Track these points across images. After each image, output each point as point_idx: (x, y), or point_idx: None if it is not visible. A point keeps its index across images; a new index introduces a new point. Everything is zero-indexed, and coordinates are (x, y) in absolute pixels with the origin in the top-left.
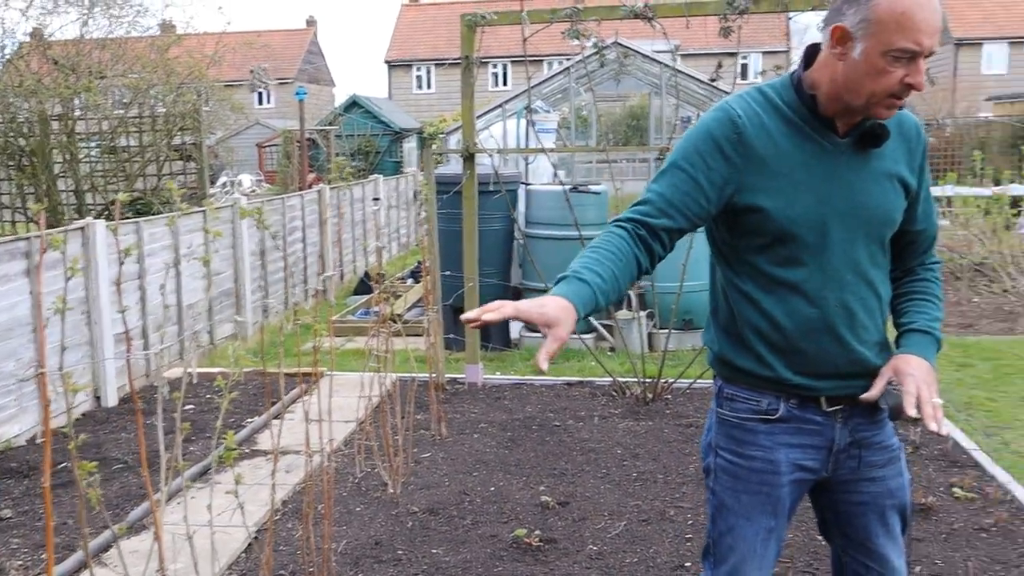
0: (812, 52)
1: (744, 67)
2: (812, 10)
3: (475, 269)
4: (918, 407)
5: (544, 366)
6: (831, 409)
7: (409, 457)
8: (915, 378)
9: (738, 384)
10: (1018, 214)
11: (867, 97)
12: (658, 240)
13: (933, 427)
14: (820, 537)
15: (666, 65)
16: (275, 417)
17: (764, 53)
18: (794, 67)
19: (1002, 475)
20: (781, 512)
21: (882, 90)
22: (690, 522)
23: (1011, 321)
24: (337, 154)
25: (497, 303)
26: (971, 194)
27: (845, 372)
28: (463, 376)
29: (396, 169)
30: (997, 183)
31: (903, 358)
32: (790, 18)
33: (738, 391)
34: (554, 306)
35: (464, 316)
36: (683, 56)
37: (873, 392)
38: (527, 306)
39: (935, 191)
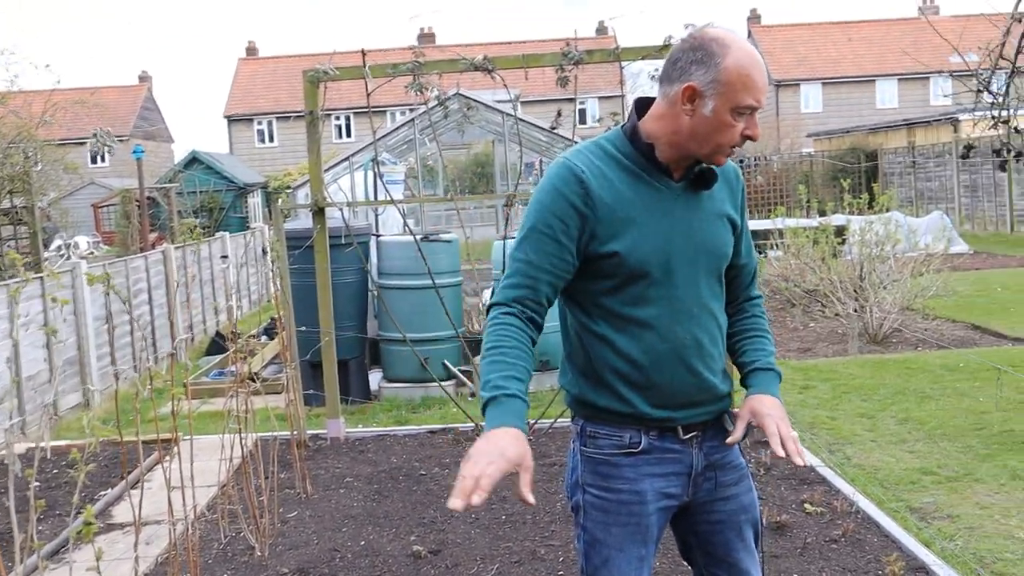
0: (642, 104)
1: (583, 112)
2: (642, 59)
3: (331, 323)
4: (783, 446)
5: (530, 499)
6: (687, 436)
7: (275, 518)
8: (773, 418)
9: (600, 422)
10: (843, 242)
11: (713, 148)
12: (542, 309)
13: (798, 462)
14: (685, 562)
15: (507, 114)
16: (132, 487)
17: (600, 98)
18: (623, 117)
19: (847, 488)
20: (650, 540)
21: (727, 142)
22: (561, 559)
23: (844, 343)
24: (179, 212)
25: (470, 483)
26: (800, 225)
27: (698, 400)
28: (325, 431)
29: (242, 225)
30: (822, 214)
31: (758, 399)
32: (623, 66)
33: (600, 428)
34: (512, 445)
35: (451, 504)
36: (524, 104)
37: (737, 435)
38: (494, 466)
39: (767, 224)
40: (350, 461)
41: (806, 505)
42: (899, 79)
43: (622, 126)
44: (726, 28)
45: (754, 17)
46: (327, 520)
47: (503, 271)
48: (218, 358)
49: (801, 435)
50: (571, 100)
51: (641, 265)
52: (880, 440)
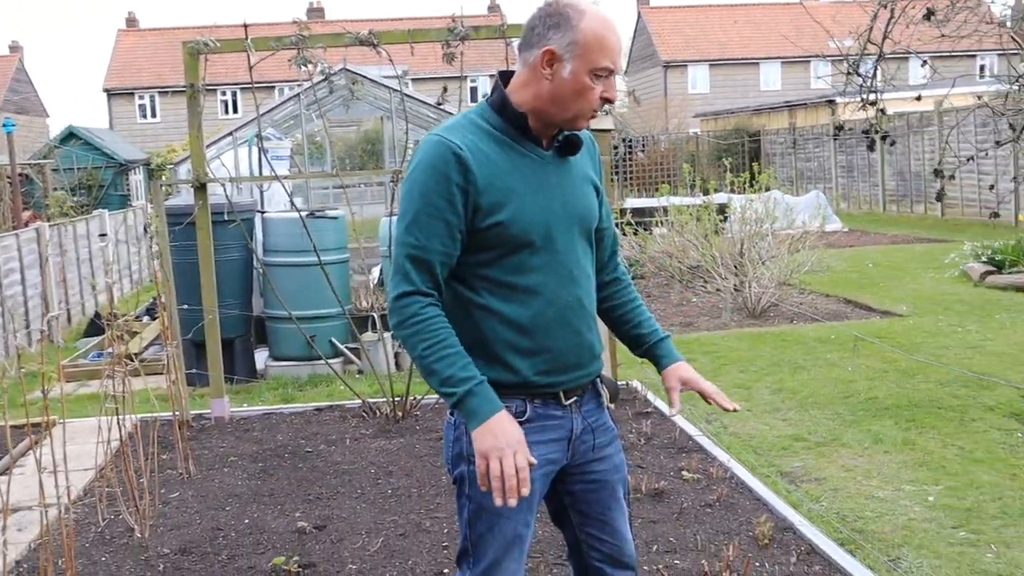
0: (505, 77)
1: (474, 89)
2: None
3: (214, 301)
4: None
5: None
6: (568, 402)
7: (156, 499)
8: (700, 381)
9: None
10: (724, 219)
11: (574, 112)
12: (440, 292)
13: (732, 406)
14: (556, 526)
15: (394, 90)
16: (2, 472)
17: (491, 76)
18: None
19: (722, 456)
20: (534, 504)
21: (587, 105)
22: (446, 531)
23: (725, 317)
24: (55, 189)
25: (512, 481)
26: (684, 203)
27: (582, 362)
28: (209, 411)
29: (123, 203)
30: (706, 192)
31: (681, 367)
32: (508, 43)
33: None
34: (514, 427)
35: (505, 503)
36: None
37: (676, 407)
38: (520, 455)
39: (652, 202)
40: (235, 440)
41: (683, 472)
42: (782, 62)
43: (487, 99)
44: None
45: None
46: (210, 499)
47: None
48: (96, 339)
49: (681, 407)
50: (461, 77)
51: (524, 234)
52: (755, 409)
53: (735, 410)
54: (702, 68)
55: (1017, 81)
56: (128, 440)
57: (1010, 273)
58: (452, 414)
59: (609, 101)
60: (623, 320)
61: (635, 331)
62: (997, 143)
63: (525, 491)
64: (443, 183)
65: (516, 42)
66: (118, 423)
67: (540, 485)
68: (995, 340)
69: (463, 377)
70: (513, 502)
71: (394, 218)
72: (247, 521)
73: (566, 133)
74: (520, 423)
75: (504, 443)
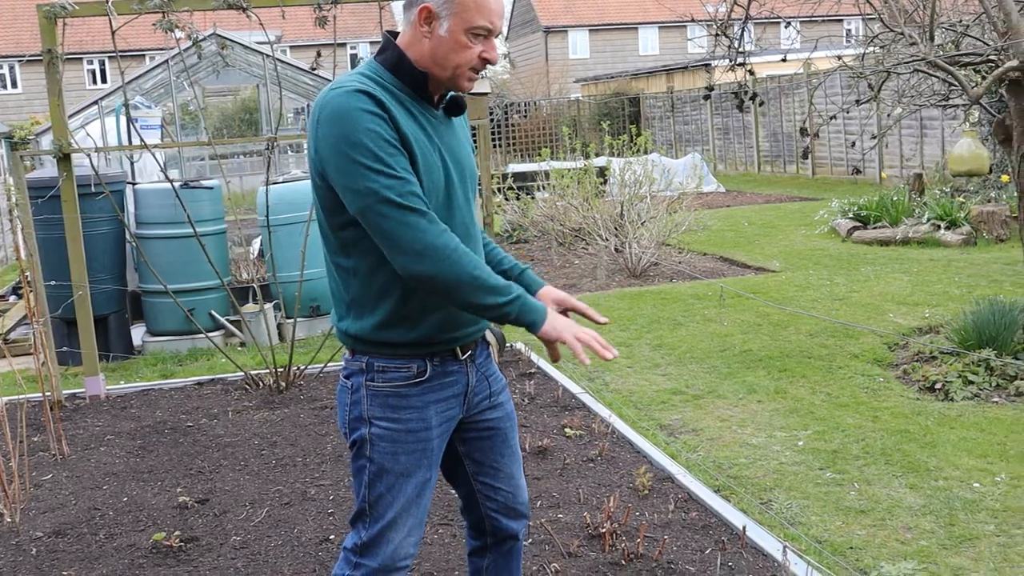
0: (391, 37)
1: (354, 56)
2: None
3: (84, 276)
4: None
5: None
6: (464, 356)
7: (27, 482)
8: (571, 300)
9: (388, 356)
10: (605, 182)
11: (453, 70)
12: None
13: (603, 320)
14: (452, 491)
15: (267, 55)
16: None
17: (372, 43)
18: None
19: (604, 412)
20: (435, 462)
21: (465, 63)
22: (331, 498)
23: (607, 278)
24: None
25: (597, 344)
26: (564, 167)
27: (477, 317)
28: (83, 390)
29: None
30: (587, 156)
31: (551, 290)
32: (383, 7)
33: (389, 363)
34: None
35: (608, 356)
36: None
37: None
38: (577, 330)
39: (533, 166)
40: (111, 418)
41: (566, 429)
42: (659, 27)
43: (376, 57)
44: None
45: None
46: (86, 480)
47: (267, 217)
48: None
49: (563, 367)
50: (342, 44)
51: (431, 189)
52: (636, 366)
53: (606, 323)
54: (582, 33)
55: (872, 41)
56: None
57: (874, 228)
58: (347, 377)
59: (489, 62)
60: (488, 263)
61: (499, 268)
62: (857, 102)
63: (616, 353)
64: (382, 123)
65: (393, 6)
66: None
67: (439, 443)
68: (860, 292)
69: (510, 283)
70: (610, 354)
71: (272, 187)
72: (125, 499)
73: (452, 95)
74: (420, 383)
75: (567, 323)
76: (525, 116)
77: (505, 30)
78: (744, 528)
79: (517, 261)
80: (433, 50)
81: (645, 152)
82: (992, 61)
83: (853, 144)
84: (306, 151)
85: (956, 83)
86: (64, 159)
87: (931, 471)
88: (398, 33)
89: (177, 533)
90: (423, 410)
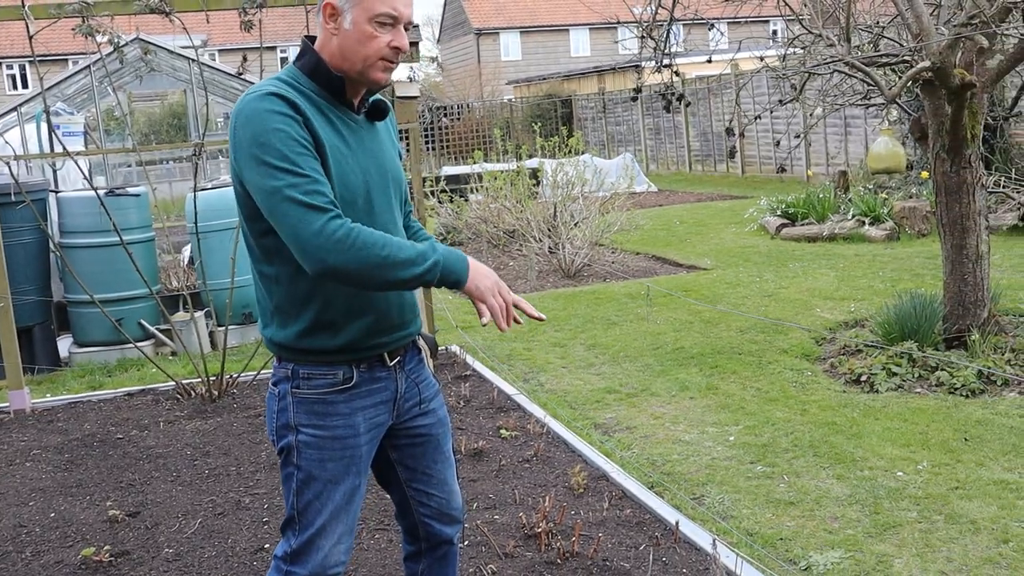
0: (309, 42)
1: (284, 60)
2: None
3: (6, 288)
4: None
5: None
6: (392, 362)
7: None
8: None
9: (313, 363)
10: (537, 184)
11: (362, 62)
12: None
13: (539, 316)
14: (382, 488)
15: (192, 60)
16: None
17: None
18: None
19: (539, 412)
20: (364, 470)
21: (374, 53)
22: (266, 506)
23: (541, 279)
24: None
25: (505, 310)
26: (497, 169)
27: (406, 320)
28: (7, 404)
29: None
30: (520, 158)
31: None
32: (309, 11)
33: (315, 370)
34: (483, 266)
35: (504, 328)
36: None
37: (486, 317)
38: (507, 292)
39: (466, 169)
40: (37, 432)
41: (502, 431)
42: (590, 28)
43: (295, 63)
44: None
45: None
46: (11, 496)
47: (195, 224)
48: None
49: (498, 368)
50: (268, 48)
51: (347, 195)
52: (571, 366)
53: (542, 319)
54: (513, 35)
55: (791, 43)
56: None
57: (802, 225)
58: (275, 384)
59: (400, 50)
60: None
61: None
62: (780, 102)
63: (512, 325)
64: (293, 123)
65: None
66: None
67: (367, 449)
68: (788, 288)
69: (423, 249)
70: (506, 328)
71: (201, 193)
72: (53, 515)
73: (373, 99)
74: (347, 389)
75: (489, 278)
76: (458, 118)
77: (437, 33)
78: (677, 523)
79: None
80: (341, 46)
81: (577, 153)
82: (907, 62)
83: (778, 143)
84: None
85: (874, 83)
86: None
87: (857, 462)
88: (310, 39)
89: (107, 548)
90: (350, 417)
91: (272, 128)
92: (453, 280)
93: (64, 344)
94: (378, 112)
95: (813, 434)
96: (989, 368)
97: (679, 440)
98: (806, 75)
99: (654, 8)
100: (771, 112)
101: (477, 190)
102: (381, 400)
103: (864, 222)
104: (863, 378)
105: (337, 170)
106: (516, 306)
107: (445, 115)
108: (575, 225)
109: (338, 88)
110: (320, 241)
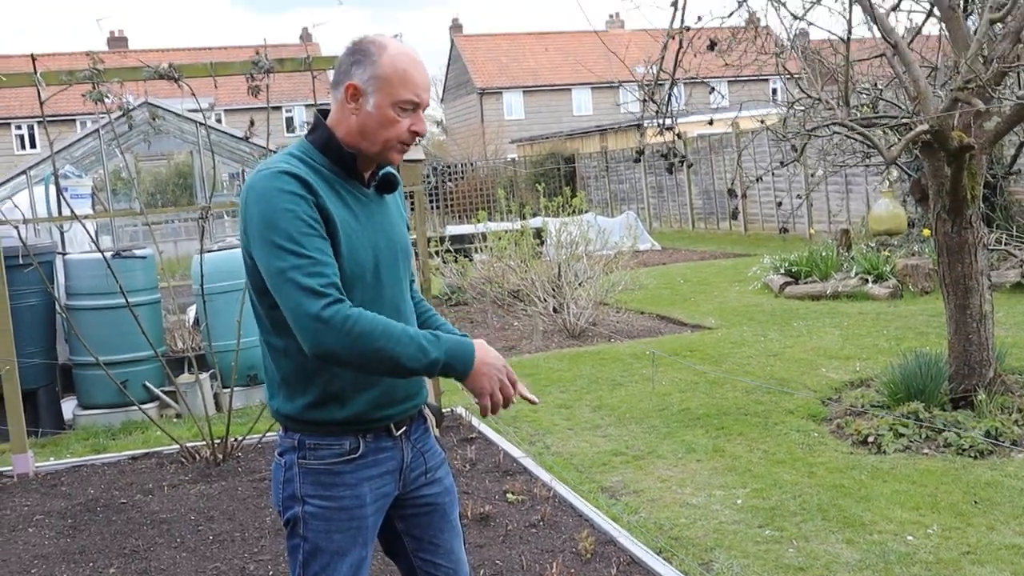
0: (324, 114)
1: (290, 119)
2: (333, 68)
3: (11, 350)
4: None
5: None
6: (399, 433)
7: None
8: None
9: (319, 433)
10: (541, 243)
11: (382, 144)
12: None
13: (535, 399)
14: (389, 559)
15: (200, 123)
16: None
17: (307, 106)
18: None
19: (545, 476)
20: (369, 540)
21: (394, 137)
22: (271, 573)
23: (545, 339)
24: None
25: (498, 398)
26: (502, 229)
27: (412, 392)
28: (10, 468)
29: None
30: (523, 217)
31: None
32: (316, 76)
33: (321, 440)
34: (488, 356)
35: (485, 416)
36: (228, 112)
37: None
38: (499, 386)
39: (470, 228)
40: (40, 497)
41: (508, 495)
42: (592, 88)
43: (307, 137)
44: (385, 36)
45: (456, 27)
46: (13, 564)
47: (201, 286)
48: None
49: (504, 430)
50: (276, 108)
51: (357, 269)
52: (576, 428)
53: (537, 403)
54: (516, 94)
55: (792, 106)
56: None
57: (806, 283)
58: (281, 454)
59: (419, 134)
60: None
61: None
62: (781, 163)
63: (521, 394)
64: (302, 203)
65: (326, 74)
66: None
67: (374, 520)
68: (794, 347)
69: (425, 343)
70: (490, 415)
71: (207, 255)
72: None
73: (384, 172)
74: (353, 460)
75: (498, 374)
76: (462, 178)
77: (440, 92)
78: None
79: (456, 330)
80: (361, 125)
81: (581, 212)
82: (905, 124)
83: (780, 204)
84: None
85: (873, 146)
86: None
87: (866, 525)
88: (321, 113)
89: None
90: (356, 487)
91: (281, 208)
92: (454, 376)
93: (68, 406)
94: (388, 185)
95: (821, 497)
96: (997, 428)
97: (686, 503)
98: (807, 137)
99: (655, 71)
100: (773, 173)
101: (481, 250)
102: (387, 470)
103: (867, 280)
104: (870, 439)
105: (347, 245)
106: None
107: (449, 177)
108: (579, 285)
109: (350, 164)
110: (318, 325)
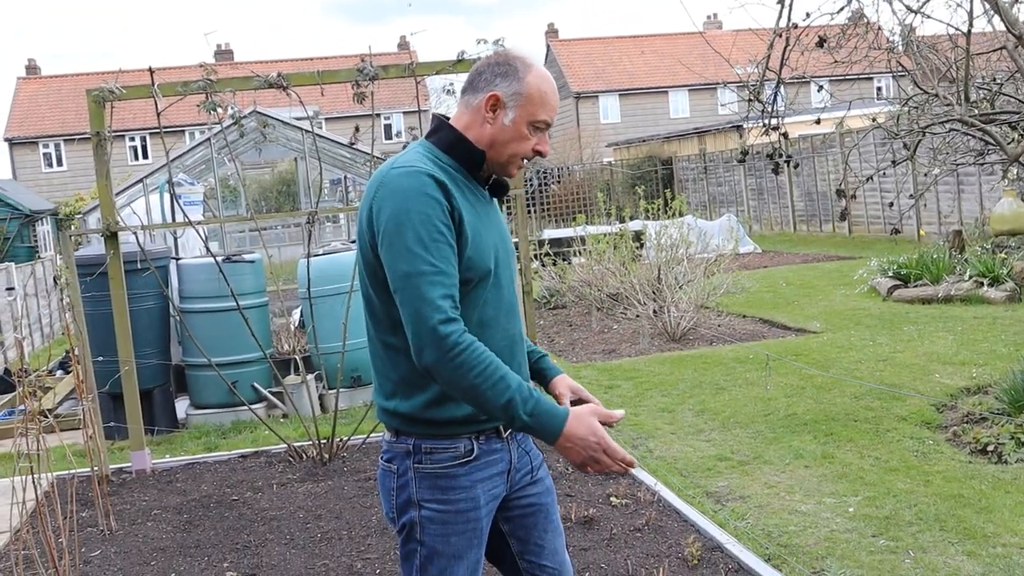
0: (444, 118)
1: (388, 127)
2: (436, 74)
3: (130, 351)
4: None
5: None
6: (507, 433)
7: (77, 558)
8: (584, 391)
9: (436, 437)
10: (641, 246)
11: (508, 157)
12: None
13: (618, 416)
14: (492, 564)
15: (306, 131)
16: None
17: (405, 113)
18: (421, 132)
19: (649, 479)
20: (483, 542)
21: (521, 153)
22: (378, 571)
23: (646, 343)
24: None
25: (619, 467)
26: (600, 232)
27: None
28: (130, 464)
29: (31, 255)
30: (622, 220)
31: (566, 378)
32: (419, 81)
33: (437, 444)
34: (581, 428)
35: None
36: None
37: (619, 413)
38: (602, 454)
39: (569, 232)
40: (157, 493)
41: (612, 498)
42: (689, 90)
43: (430, 138)
44: (527, 50)
45: (552, 31)
46: (134, 555)
47: (308, 289)
48: (6, 397)
49: (607, 432)
50: (378, 115)
51: (484, 267)
52: (679, 432)
53: (621, 417)
54: (612, 98)
55: (907, 103)
56: (44, 499)
57: (915, 286)
58: (389, 461)
59: (541, 154)
60: None
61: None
62: (893, 162)
63: (629, 464)
64: (437, 208)
65: (428, 81)
66: (33, 482)
67: (487, 521)
68: (904, 352)
69: (518, 398)
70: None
71: (313, 259)
72: (173, 575)
73: (495, 176)
74: (468, 462)
75: (588, 450)
76: (558, 182)
77: None
78: None
79: (535, 347)
80: (493, 136)
81: (680, 215)
82: None
83: (891, 204)
84: (356, 225)
85: (993, 142)
86: (111, 237)
87: (988, 537)
88: (446, 117)
89: None
90: (471, 490)
91: (416, 209)
92: (539, 438)
93: (181, 406)
94: (500, 188)
95: (939, 507)
96: None
97: (795, 511)
98: (920, 135)
99: (761, 70)
100: (883, 173)
101: (580, 253)
102: (497, 472)
103: (982, 283)
104: (990, 448)
105: (474, 245)
106: (587, 402)
107: (546, 180)
108: (680, 288)
109: (478, 163)
110: (429, 338)
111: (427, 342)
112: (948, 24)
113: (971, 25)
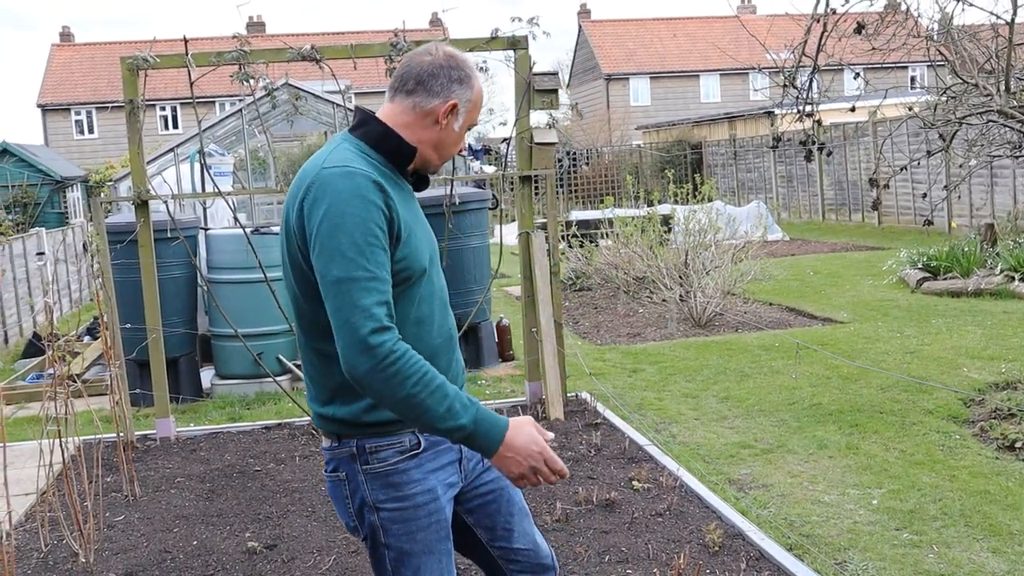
0: (368, 112)
1: None
2: (470, 51)
3: (158, 320)
4: None
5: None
6: None
7: (101, 522)
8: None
9: (378, 435)
10: (669, 230)
11: (443, 159)
12: None
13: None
14: (467, 558)
15: (338, 104)
16: None
17: None
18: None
19: (672, 464)
20: (449, 532)
21: (454, 152)
22: None
23: (672, 327)
24: None
25: (555, 477)
26: (627, 215)
27: (459, 383)
28: (154, 432)
29: (61, 221)
30: (650, 204)
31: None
32: None
33: (380, 441)
34: (523, 437)
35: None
36: (360, 95)
37: (550, 435)
38: (542, 464)
39: (596, 214)
40: (181, 460)
41: (634, 482)
42: (720, 74)
43: (356, 132)
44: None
45: (584, 12)
46: (157, 522)
47: None
48: (35, 361)
49: (629, 417)
50: None
51: (420, 266)
52: (703, 418)
53: (552, 439)
54: (643, 81)
55: (944, 93)
56: (71, 463)
57: (945, 279)
58: (335, 470)
59: (459, 153)
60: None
61: None
62: (928, 153)
63: (563, 476)
64: (375, 211)
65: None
66: (60, 446)
67: (449, 511)
68: (932, 345)
69: (458, 407)
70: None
71: None
72: (195, 543)
73: (418, 169)
74: (416, 455)
75: (530, 460)
76: (587, 164)
77: (567, 78)
78: None
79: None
80: (441, 140)
81: (709, 200)
82: None
83: (924, 196)
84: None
85: None
86: (142, 206)
87: (1015, 535)
88: (368, 110)
89: None
90: (425, 481)
91: (352, 212)
92: (475, 449)
93: (206, 375)
94: (423, 182)
95: (964, 502)
96: None
97: (819, 501)
98: (956, 125)
99: (797, 56)
100: (918, 163)
101: (607, 235)
102: (448, 461)
103: (1014, 277)
104: (1018, 444)
105: (410, 244)
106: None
107: (575, 161)
108: (707, 273)
109: (408, 159)
110: (360, 348)
111: (358, 352)
112: (991, 13)
113: (1015, 14)
